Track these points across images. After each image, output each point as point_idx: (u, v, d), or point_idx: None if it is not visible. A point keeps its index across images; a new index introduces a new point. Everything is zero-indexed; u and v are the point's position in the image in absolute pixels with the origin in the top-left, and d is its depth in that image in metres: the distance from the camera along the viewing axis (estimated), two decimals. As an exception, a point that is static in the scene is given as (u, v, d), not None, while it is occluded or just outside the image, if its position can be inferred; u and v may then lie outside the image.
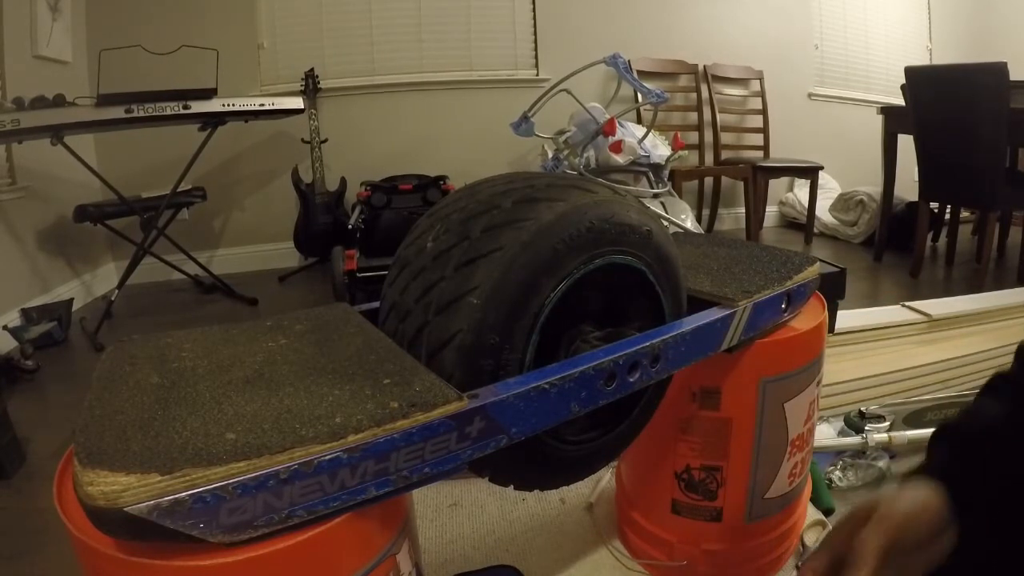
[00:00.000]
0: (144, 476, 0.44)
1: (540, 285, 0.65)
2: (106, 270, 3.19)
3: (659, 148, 2.79)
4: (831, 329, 1.90)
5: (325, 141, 3.26)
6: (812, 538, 1.11)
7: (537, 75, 3.60)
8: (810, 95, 4.13)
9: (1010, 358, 0.60)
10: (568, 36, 3.59)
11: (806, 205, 3.74)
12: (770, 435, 0.95)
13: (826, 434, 1.43)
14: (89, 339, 2.40)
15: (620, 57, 2.47)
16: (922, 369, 1.65)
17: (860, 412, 1.48)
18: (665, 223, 2.18)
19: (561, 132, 2.84)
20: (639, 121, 3.35)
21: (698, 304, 0.85)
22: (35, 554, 1.22)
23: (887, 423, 1.43)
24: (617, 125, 2.58)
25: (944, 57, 4.29)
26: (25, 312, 2.45)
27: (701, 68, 3.78)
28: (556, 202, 0.68)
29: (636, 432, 0.84)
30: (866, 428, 1.40)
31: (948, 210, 3.37)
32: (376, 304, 0.82)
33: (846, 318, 1.98)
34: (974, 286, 2.71)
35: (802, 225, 3.85)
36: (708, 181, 3.90)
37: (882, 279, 2.99)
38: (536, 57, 3.62)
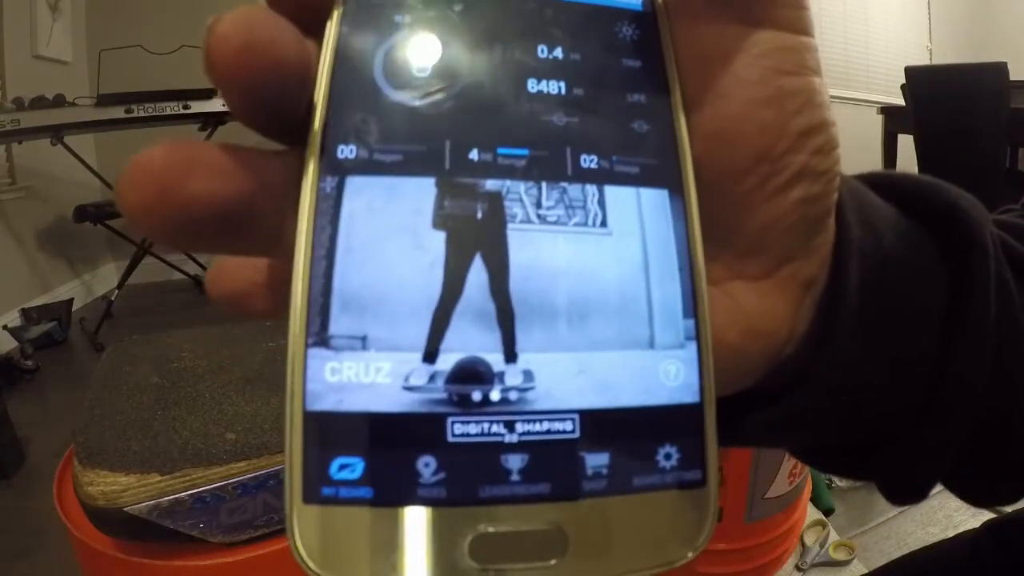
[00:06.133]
0: (144, 476, 0.44)
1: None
2: (106, 270, 3.19)
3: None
4: (831, 329, 1.90)
5: (325, 141, 3.25)
6: (812, 538, 1.11)
7: (537, 75, 3.59)
8: (810, 95, 4.13)
9: None
10: (568, 36, 3.59)
11: (806, 205, 3.73)
12: (770, 435, 0.95)
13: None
14: (89, 339, 2.40)
15: (620, 57, 2.47)
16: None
17: (860, 412, 1.48)
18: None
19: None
20: (639, 121, 3.34)
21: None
22: (35, 554, 1.22)
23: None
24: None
25: (944, 57, 4.29)
26: (25, 312, 2.45)
27: (701, 68, 3.78)
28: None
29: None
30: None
31: (948, 210, 3.37)
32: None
33: (846, 318, 1.98)
34: (974, 286, 2.71)
35: (802, 225, 3.84)
36: (708, 181, 3.90)
37: (882, 279, 2.98)
38: (536, 57, 3.62)
